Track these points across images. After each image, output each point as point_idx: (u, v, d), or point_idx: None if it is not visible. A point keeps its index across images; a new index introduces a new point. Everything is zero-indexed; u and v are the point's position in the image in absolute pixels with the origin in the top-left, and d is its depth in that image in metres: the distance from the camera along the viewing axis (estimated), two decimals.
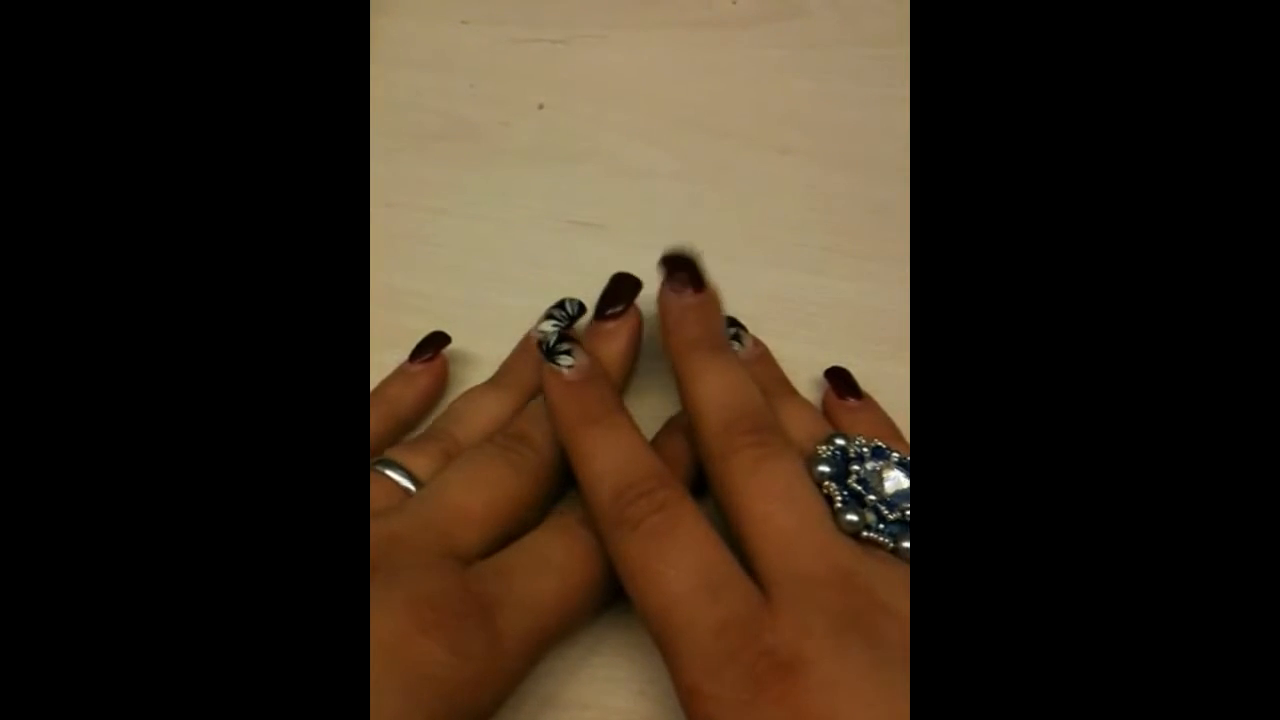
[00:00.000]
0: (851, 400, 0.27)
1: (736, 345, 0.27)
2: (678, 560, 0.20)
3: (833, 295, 0.31)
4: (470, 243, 0.32)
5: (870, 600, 0.19)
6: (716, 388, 0.23)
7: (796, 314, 0.30)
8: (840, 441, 0.23)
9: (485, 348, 0.29)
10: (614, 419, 0.23)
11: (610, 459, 0.22)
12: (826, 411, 0.27)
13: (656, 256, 0.31)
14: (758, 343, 0.28)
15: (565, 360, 0.24)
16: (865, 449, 0.23)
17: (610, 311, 0.27)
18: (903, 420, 0.26)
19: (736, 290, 0.28)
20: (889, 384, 0.27)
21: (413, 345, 0.28)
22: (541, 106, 0.37)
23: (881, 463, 0.22)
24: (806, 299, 0.30)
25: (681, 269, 0.25)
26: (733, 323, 0.27)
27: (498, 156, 0.35)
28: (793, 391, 0.26)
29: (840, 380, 0.27)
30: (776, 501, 0.21)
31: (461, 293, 0.31)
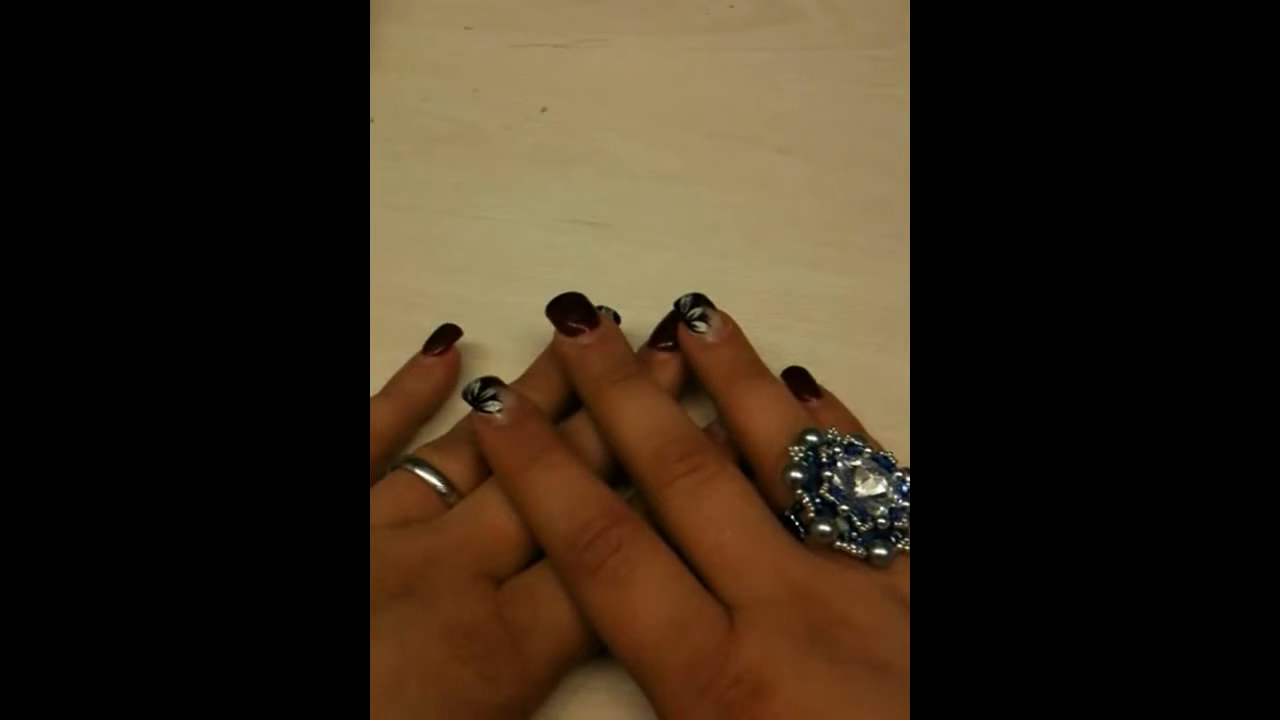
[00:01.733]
0: (813, 400, 0.26)
1: (704, 326, 0.25)
2: (641, 604, 0.19)
3: (830, 290, 0.31)
4: (474, 243, 0.33)
5: (829, 614, 0.19)
6: (637, 418, 0.23)
7: (794, 309, 0.31)
8: (812, 439, 0.22)
9: (492, 345, 0.30)
10: (552, 456, 0.22)
11: (557, 501, 0.21)
12: None
13: (658, 254, 0.32)
14: (727, 321, 0.26)
15: (493, 406, 0.23)
16: (838, 446, 0.22)
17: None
18: (900, 413, 0.26)
19: (736, 286, 0.29)
20: (885, 377, 0.28)
21: (419, 343, 0.28)
22: (544, 110, 0.37)
23: (855, 460, 0.22)
24: (804, 294, 0.31)
25: (570, 312, 0.25)
26: (701, 301, 0.26)
27: (501, 159, 0.36)
28: (763, 373, 0.25)
29: (799, 380, 0.27)
30: (726, 529, 0.20)
31: (466, 292, 0.31)
